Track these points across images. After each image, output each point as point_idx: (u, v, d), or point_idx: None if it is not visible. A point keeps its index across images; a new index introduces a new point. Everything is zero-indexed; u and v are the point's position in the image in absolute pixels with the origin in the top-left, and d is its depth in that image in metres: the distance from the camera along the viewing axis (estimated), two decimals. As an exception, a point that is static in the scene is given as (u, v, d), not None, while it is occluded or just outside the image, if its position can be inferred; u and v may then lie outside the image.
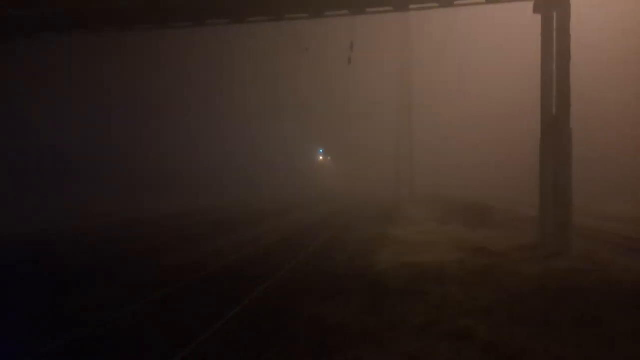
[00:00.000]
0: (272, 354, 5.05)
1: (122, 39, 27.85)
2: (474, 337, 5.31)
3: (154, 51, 41.77)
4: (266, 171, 62.15)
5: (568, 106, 11.31)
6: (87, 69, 38.55)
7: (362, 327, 5.74)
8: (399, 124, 40.50)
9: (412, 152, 39.23)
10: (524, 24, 16.28)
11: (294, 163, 69.77)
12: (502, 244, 12.28)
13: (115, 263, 10.95)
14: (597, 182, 30.77)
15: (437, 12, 14.64)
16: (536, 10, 12.28)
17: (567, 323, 5.77)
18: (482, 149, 55.96)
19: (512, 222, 18.58)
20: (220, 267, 9.90)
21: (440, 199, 29.81)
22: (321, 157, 72.56)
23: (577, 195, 15.51)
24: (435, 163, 55.56)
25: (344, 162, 77.64)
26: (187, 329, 5.87)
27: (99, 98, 40.26)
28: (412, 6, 13.70)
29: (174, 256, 11.52)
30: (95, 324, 6.06)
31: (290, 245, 13.07)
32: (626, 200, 25.15)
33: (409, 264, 9.67)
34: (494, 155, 51.62)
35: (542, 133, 12.19)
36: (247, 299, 7.14)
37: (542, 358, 4.87)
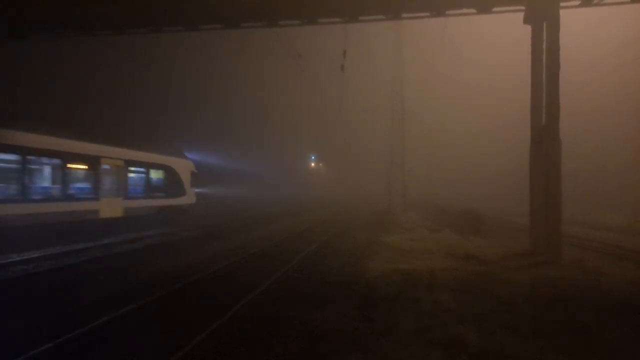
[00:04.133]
0: (262, 361, 4.99)
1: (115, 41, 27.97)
2: (466, 345, 5.28)
3: (147, 52, 41.96)
4: (255, 177, 62.00)
5: (557, 116, 11.45)
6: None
7: (353, 334, 5.69)
8: (392, 132, 40.68)
9: (404, 160, 39.37)
10: (517, 38, 16.56)
11: (285, 169, 69.70)
12: (493, 251, 12.32)
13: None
14: (590, 193, 31.20)
15: (430, 22, 14.82)
16: (526, 21, 12.47)
17: (558, 331, 5.77)
18: (474, 158, 56.52)
19: (503, 230, 18.71)
20: (211, 272, 9.77)
21: (432, 206, 30.02)
22: (313, 164, 72.57)
23: (570, 205, 15.68)
24: (427, 171, 55.98)
25: (336, 168, 77.83)
26: (184, 327, 5.86)
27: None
28: (404, 15, 13.84)
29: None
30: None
31: (281, 252, 12.98)
32: (618, 211, 25.47)
33: (401, 271, 9.64)
34: (486, 165, 52.14)
35: (532, 142, 12.32)
36: (239, 303, 7.05)
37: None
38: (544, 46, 11.82)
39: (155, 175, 19.85)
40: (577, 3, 12.44)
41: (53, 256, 11.95)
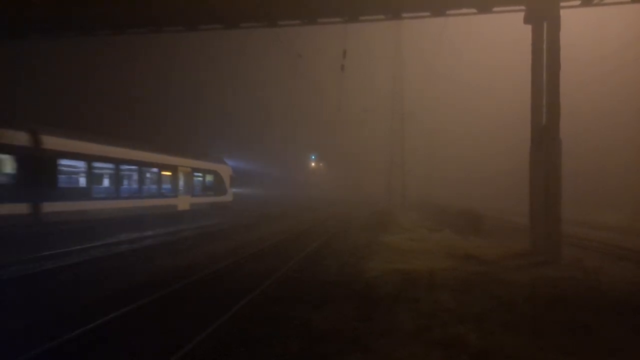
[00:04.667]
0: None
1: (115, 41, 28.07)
2: (465, 345, 5.28)
3: (147, 52, 42.17)
4: (254, 178, 61.88)
5: (558, 116, 11.45)
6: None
7: (353, 334, 5.68)
8: (392, 132, 40.67)
9: (404, 160, 39.36)
10: (517, 38, 16.55)
11: (285, 170, 69.57)
12: (493, 251, 12.32)
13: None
14: (590, 193, 31.21)
15: (431, 22, 14.81)
16: (527, 20, 12.46)
17: (558, 331, 5.77)
18: (474, 158, 56.50)
19: (503, 230, 18.70)
20: (211, 271, 9.77)
21: (432, 206, 30.00)
22: (313, 164, 72.36)
23: (570, 205, 15.63)
24: (427, 171, 55.97)
25: (337, 168, 77.78)
26: (183, 328, 5.83)
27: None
28: (404, 15, 13.82)
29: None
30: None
31: (281, 252, 12.97)
32: (618, 211, 25.47)
33: (401, 270, 9.64)
34: (486, 165, 52.10)
35: (532, 142, 12.32)
36: (238, 304, 7.05)
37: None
38: (545, 46, 11.82)
39: (208, 178, 25.45)
40: (577, 3, 12.43)
41: (157, 234, 17.29)
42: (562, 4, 11.88)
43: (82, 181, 15.79)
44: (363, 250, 12.92)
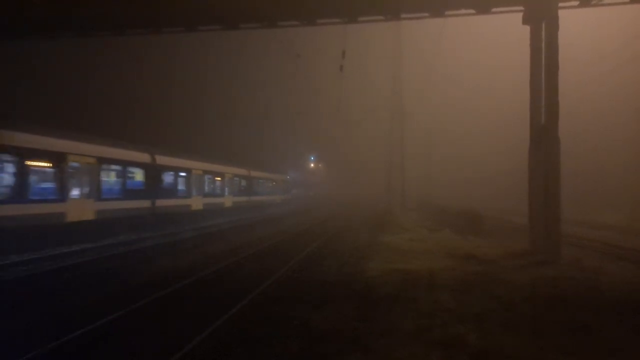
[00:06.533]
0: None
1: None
2: (465, 345, 5.28)
3: (146, 52, 42.41)
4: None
5: (556, 116, 11.45)
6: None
7: (353, 334, 5.69)
8: (392, 132, 40.66)
9: (404, 160, 39.34)
10: (516, 38, 16.55)
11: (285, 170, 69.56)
12: (493, 251, 12.32)
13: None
14: (589, 192, 31.19)
15: (430, 22, 14.81)
16: (525, 21, 12.48)
17: (558, 331, 5.77)
18: (474, 158, 56.45)
19: (503, 230, 18.71)
20: (209, 272, 9.79)
21: (432, 207, 29.98)
22: (312, 164, 72.25)
23: (569, 205, 15.63)
24: (427, 171, 55.91)
25: (336, 169, 77.74)
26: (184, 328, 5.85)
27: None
28: (403, 15, 13.83)
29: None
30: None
31: (281, 252, 12.98)
32: (617, 211, 25.47)
33: (401, 270, 9.64)
34: (486, 165, 52.07)
35: (531, 142, 12.34)
36: (239, 304, 7.06)
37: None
38: (543, 46, 11.83)
39: (281, 184, 43.54)
40: (575, 3, 12.44)
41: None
42: (560, 4, 11.88)
43: (256, 188, 34.00)
44: (363, 250, 12.93)
